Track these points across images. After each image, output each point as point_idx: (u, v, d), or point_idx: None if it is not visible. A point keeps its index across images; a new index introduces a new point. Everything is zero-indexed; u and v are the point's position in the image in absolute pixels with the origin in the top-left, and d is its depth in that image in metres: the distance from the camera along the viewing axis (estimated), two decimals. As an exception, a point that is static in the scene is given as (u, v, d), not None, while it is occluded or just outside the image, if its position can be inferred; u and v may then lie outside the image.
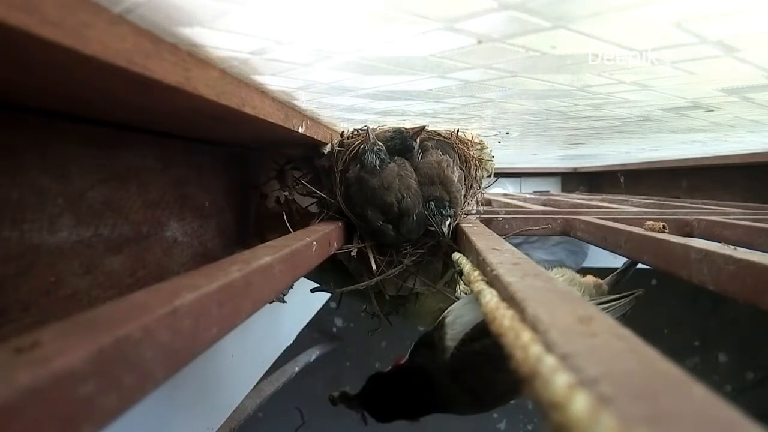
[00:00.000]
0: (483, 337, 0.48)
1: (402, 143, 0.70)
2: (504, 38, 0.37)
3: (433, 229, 0.67)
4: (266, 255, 0.38)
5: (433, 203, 0.67)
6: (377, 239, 0.71)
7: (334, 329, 2.49)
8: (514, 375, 0.49)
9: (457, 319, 0.53)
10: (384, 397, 0.55)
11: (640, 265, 0.60)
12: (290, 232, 0.61)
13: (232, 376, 0.81)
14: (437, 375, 0.52)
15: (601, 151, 1.44)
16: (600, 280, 0.69)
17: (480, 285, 0.36)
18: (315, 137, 0.68)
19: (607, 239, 0.64)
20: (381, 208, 0.66)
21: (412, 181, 0.67)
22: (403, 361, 0.57)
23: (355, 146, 0.72)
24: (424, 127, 0.74)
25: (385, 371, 0.57)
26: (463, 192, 0.72)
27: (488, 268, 0.37)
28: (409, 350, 0.57)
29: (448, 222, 0.67)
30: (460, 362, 0.50)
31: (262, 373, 1.01)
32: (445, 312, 0.56)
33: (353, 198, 0.68)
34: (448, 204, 0.67)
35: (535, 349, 0.20)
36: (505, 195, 1.72)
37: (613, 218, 0.76)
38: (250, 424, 1.30)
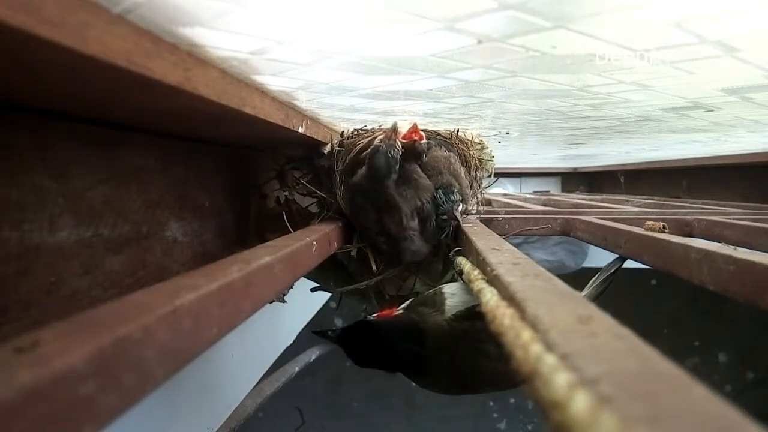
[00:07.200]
0: (475, 319, 0.48)
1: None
2: (504, 38, 0.37)
3: (444, 217, 0.64)
4: (266, 255, 0.38)
5: (441, 191, 0.65)
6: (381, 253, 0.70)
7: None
8: (497, 367, 0.48)
9: (456, 294, 0.53)
10: (370, 341, 0.53)
11: (640, 265, 0.60)
12: (290, 232, 0.61)
13: (232, 376, 0.81)
14: (428, 335, 0.51)
15: (601, 151, 1.44)
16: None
17: (480, 284, 0.36)
18: (315, 137, 0.68)
19: (607, 239, 0.64)
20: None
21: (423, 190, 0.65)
22: (395, 313, 0.55)
23: (358, 149, 0.70)
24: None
25: (374, 319, 0.55)
26: (468, 188, 0.72)
27: (488, 268, 0.37)
28: (404, 305, 0.56)
29: (460, 208, 0.65)
30: (448, 334, 0.50)
31: (262, 373, 1.01)
32: (443, 285, 0.56)
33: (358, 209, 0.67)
34: (457, 190, 0.66)
35: (536, 348, 0.20)
36: (505, 195, 1.72)
37: (613, 218, 0.76)
38: (250, 424, 1.30)
